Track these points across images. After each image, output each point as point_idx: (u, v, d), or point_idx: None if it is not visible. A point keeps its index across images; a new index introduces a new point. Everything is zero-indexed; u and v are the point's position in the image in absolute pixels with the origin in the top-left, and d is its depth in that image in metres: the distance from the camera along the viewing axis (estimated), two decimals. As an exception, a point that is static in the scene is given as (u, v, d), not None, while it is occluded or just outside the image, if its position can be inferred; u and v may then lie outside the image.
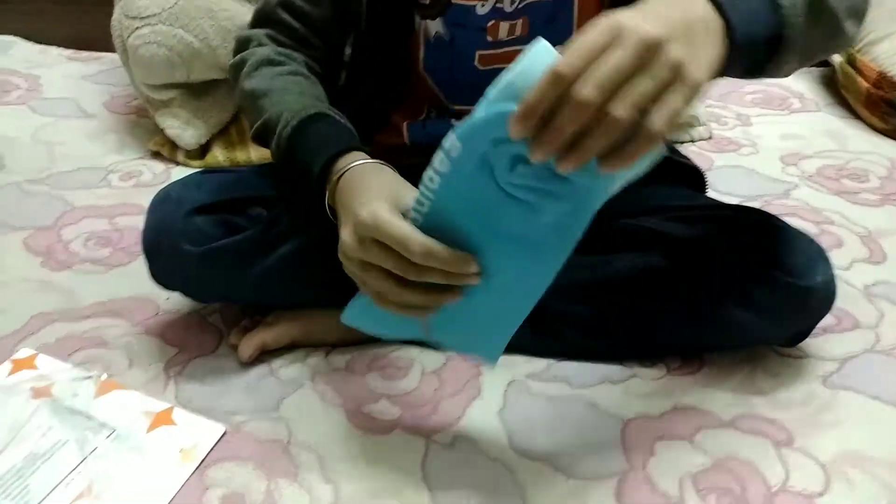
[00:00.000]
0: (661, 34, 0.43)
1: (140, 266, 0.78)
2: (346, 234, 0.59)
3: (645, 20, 0.43)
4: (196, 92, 1.19)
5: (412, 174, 0.62)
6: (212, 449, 0.70)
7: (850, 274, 0.96)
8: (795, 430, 0.73)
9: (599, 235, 0.78)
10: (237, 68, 0.76)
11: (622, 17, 0.44)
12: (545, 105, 0.43)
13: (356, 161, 0.64)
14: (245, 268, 0.75)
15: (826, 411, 0.76)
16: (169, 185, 0.77)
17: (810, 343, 0.83)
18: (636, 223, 0.80)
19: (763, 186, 1.16)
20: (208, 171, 0.81)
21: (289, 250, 0.76)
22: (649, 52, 0.42)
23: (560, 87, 0.43)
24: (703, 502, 0.66)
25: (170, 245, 0.73)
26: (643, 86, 0.42)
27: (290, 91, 0.71)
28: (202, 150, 1.21)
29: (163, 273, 0.77)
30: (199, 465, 0.69)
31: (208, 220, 0.73)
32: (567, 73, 0.42)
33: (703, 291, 0.74)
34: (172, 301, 0.89)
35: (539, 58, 0.44)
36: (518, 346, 0.82)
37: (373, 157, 0.77)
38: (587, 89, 0.42)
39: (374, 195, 0.58)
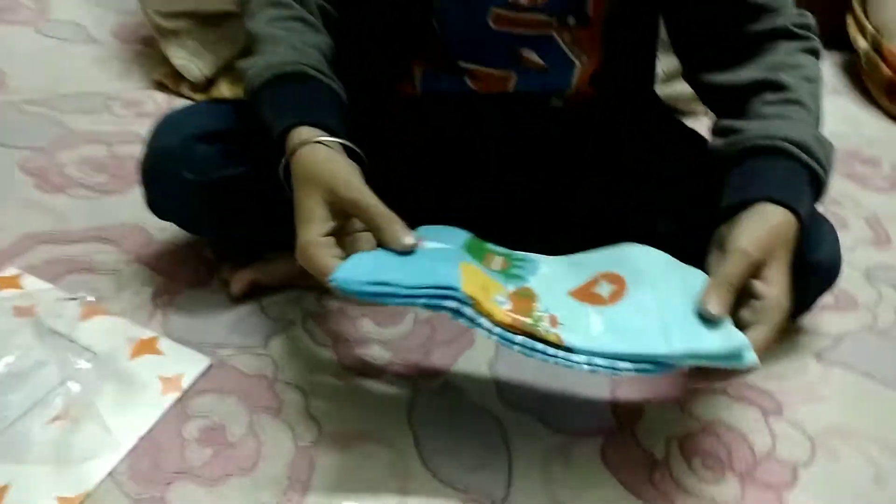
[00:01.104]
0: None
1: (136, 195, 0.76)
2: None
3: (788, 298, 0.55)
4: (207, 23, 1.16)
5: (428, 146, 0.60)
6: (195, 380, 0.70)
7: (853, 256, 0.95)
8: (786, 401, 0.73)
9: (609, 198, 0.76)
10: (244, 4, 0.73)
11: (786, 304, 0.55)
12: None
13: (310, 139, 0.60)
14: (247, 202, 0.73)
15: (818, 386, 0.75)
16: (173, 109, 0.75)
17: (806, 319, 0.82)
18: (648, 188, 0.78)
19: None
20: (215, 100, 0.78)
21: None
22: None
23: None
24: (687, 465, 0.65)
25: (169, 172, 0.70)
26: None
27: (283, 41, 0.66)
28: (207, 84, 1.18)
29: (160, 201, 0.75)
30: (182, 395, 0.68)
31: (211, 148, 0.71)
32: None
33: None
34: (167, 232, 0.87)
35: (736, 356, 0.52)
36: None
37: (390, 112, 0.75)
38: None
39: (307, 212, 0.58)
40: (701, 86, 0.74)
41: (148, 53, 1.27)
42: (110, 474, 0.61)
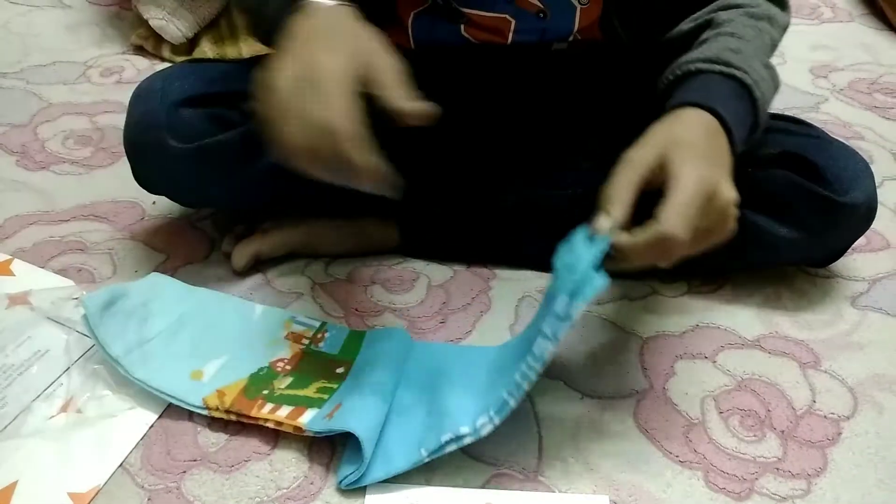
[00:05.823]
0: (733, 195, 0.53)
1: (124, 168, 0.72)
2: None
3: (723, 178, 0.53)
4: (182, -20, 1.09)
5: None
6: (204, 361, 0.66)
7: (881, 192, 0.89)
8: (822, 351, 0.70)
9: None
10: None
11: (714, 179, 0.52)
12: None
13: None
14: (239, 168, 0.68)
15: (854, 333, 0.72)
16: (153, 74, 0.70)
17: (838, 262, 0.78)
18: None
19: (791, 99, 1.09)
20: (197, 60, 0.73)
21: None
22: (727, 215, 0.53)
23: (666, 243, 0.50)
24: (725, 424, 0.63)
25: (154, 141, 0.66)
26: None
27: None
28: (189, 45, 1.11)
29: (147, 173, 0.71)
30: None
31: (197, 113, 0.66)
32: (679, 236, 0.50)
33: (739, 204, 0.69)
34: (160, 205, 0.83)
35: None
36: (528, 259, 0.77)
37: None
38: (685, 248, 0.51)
39: (331, 71, 0.50)
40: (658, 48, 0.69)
41: (124, 17, 1.21)
42: (122, 466, 0.58)
